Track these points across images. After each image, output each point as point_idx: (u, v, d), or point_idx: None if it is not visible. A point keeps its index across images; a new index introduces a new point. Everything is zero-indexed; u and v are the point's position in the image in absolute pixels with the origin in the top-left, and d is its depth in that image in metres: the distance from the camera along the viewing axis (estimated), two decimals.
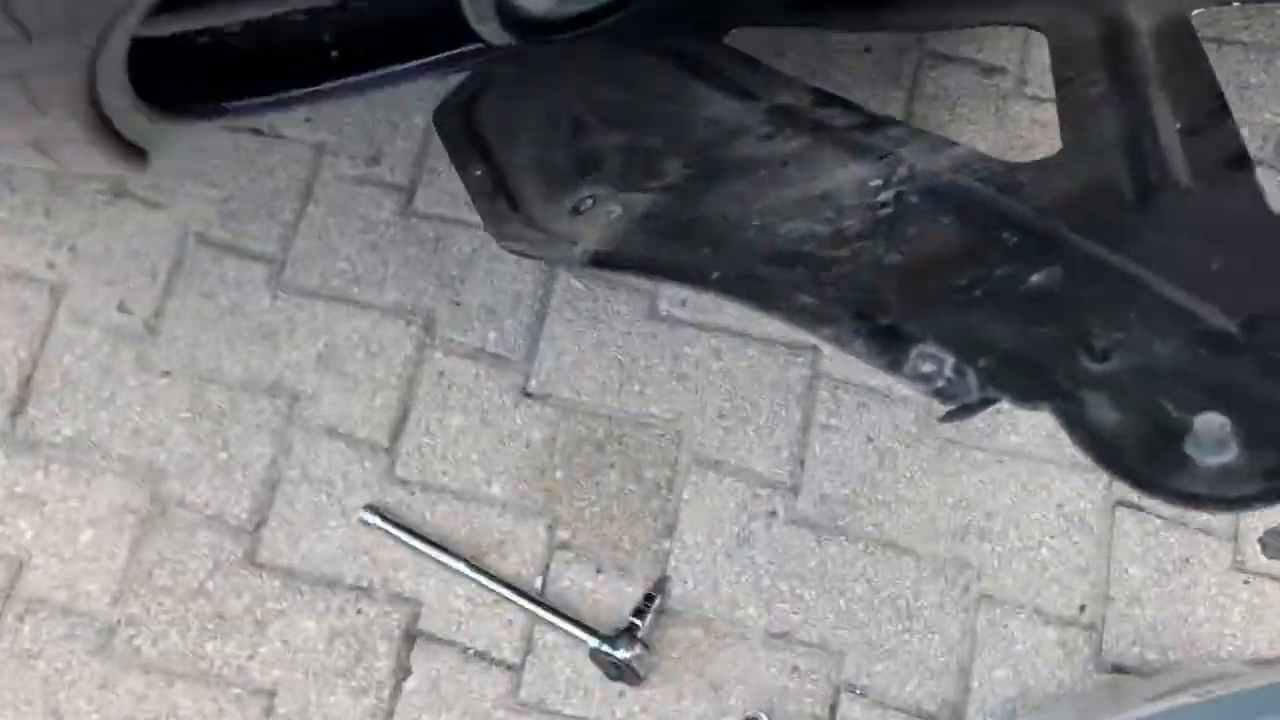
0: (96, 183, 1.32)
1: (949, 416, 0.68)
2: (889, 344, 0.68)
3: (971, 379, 0.66)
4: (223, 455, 1.20)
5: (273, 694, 1.12)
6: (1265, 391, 0.60)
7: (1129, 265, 0.68)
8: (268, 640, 1.13)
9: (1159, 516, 1.10)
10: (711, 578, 1.12)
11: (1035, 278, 0.69)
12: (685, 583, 1.12)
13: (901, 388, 1.16)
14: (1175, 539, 1.10)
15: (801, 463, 1.15)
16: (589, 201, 0.82)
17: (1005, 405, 1.04)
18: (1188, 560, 1.09)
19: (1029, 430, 1.14)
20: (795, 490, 1.14)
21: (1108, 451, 0.63)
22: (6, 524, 1.19)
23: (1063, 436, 1.06)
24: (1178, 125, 0.77)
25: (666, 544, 1.14)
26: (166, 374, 1.24)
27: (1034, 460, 1.13)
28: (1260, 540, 1.06)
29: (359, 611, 1.14)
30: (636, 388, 1.19)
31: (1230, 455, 0.58)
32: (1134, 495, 1.11)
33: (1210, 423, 0.58)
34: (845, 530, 1.12)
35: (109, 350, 1.25)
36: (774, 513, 1.14)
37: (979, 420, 1.14)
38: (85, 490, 1.20)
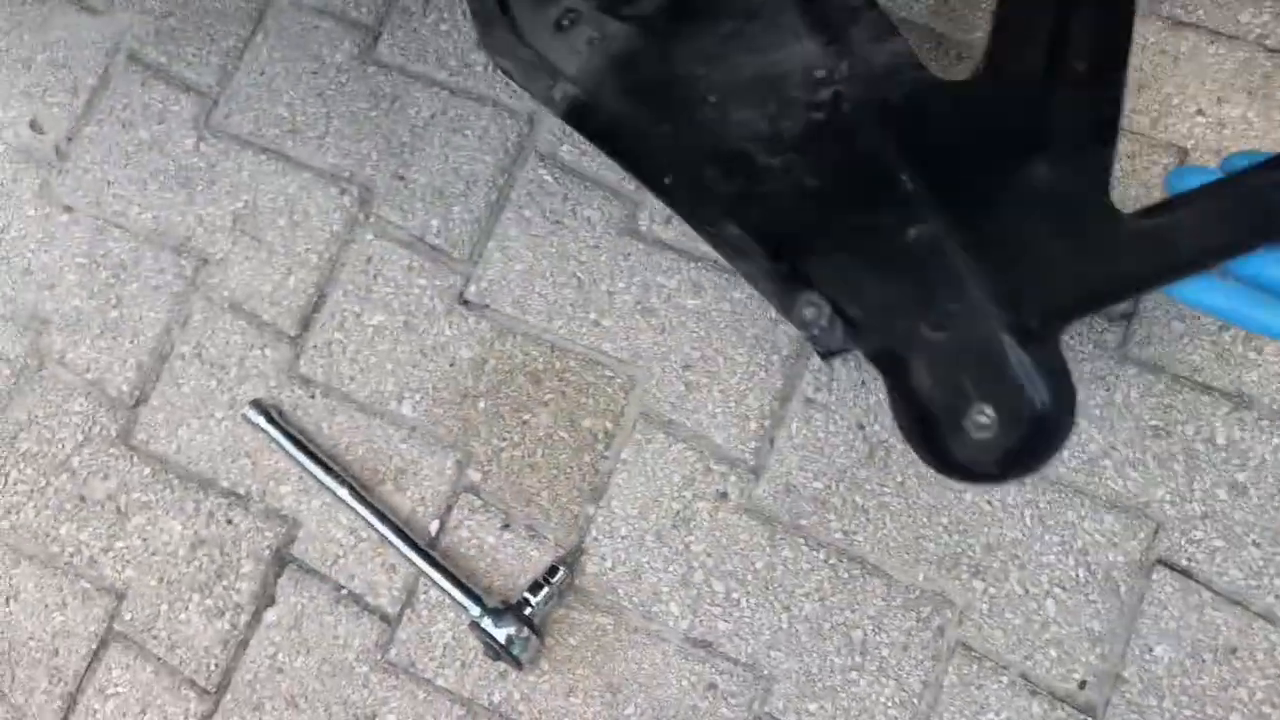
0: None
1: (824, 359, 0.77)
2: (789, 286, 0.71)
3: (839, 329, 0.70)
4: (114, 314, 1.04)
5: (121, 595, 0.98)
6: (1027, 389, 0.66)
7: (972, 238, 0.69)
8: (126, 534, 0.99)
9: (1211, 589, 0.85)
10: (635, 560, 0.92)
11: (912, 231, 0.70)
12: (603, 560, 0.93)
13: None
14: (1224, 620, 0.85)
15: (771, 441, 0.93)
16: (570, 17, 0.80)
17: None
18: (1234, 651, 0.85)
19: (1064, 450, 0.89)
20: (757, 473, 0.92)
21: (912, 418, 0.69)
22: None
23: (1103, 464, 0.82)
24: (1078, 69, 0.69)
25: (591, 510, 0.94)
26: (69, 210, 1.07)
27: (1062, 489, 0.88)
28: None
29: (229, 521, 0.98)
30: (593, 315, 0.98)
31: (989, 435, 0.66)
32: (1183, 558, 0.86)
33: (982, 408, 0.67)
34: (807, 532, 0.91)
35: (11, 173, 1.09)
36: (725, 495, 0.92)
37: None
38: None
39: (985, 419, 0.66)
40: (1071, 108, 0.69)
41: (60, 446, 1.02)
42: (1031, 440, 0.66)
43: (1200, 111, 0.94)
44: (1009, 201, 0.69)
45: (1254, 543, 0.86)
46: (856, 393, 0.93)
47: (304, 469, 0.96)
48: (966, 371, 0.68)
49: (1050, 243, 0.68)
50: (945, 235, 0.70)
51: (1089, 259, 0.67)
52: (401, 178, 1.03)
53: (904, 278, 0.70)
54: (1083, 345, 0.90)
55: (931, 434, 0.68)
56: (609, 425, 0.95)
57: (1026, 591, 0.88)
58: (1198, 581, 0.86)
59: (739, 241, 0.73)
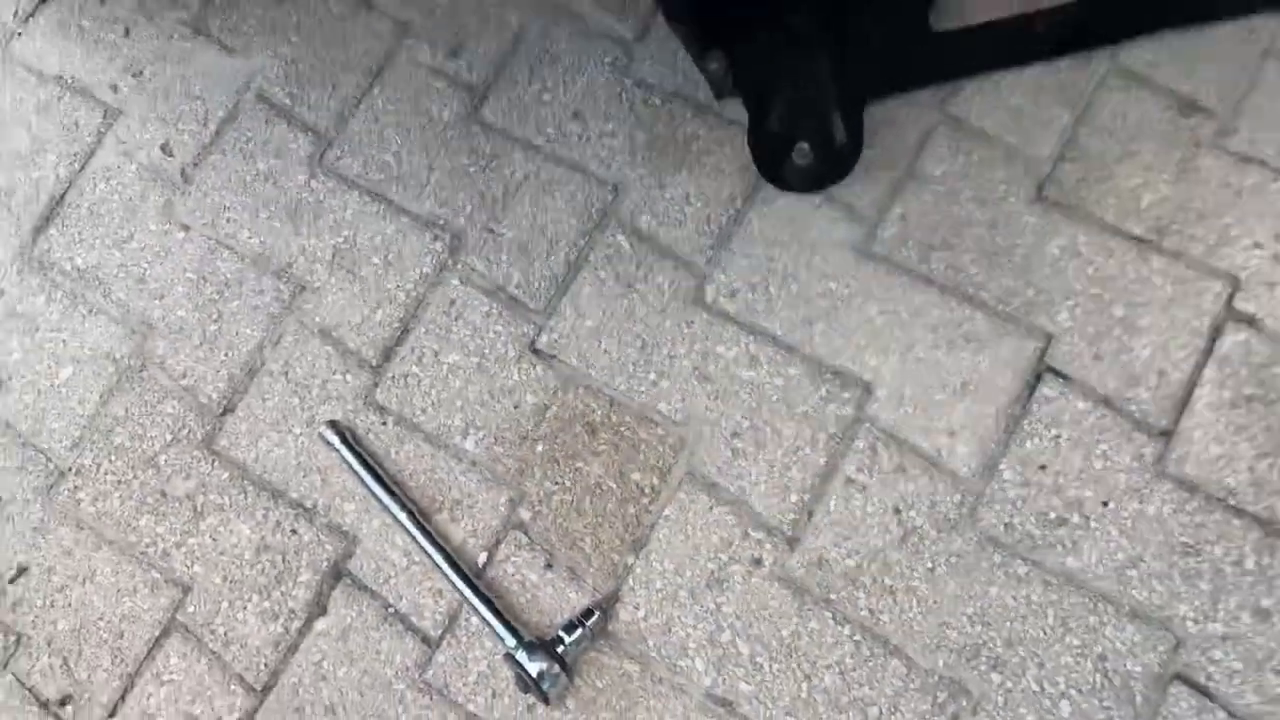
0: (180, 10, 1.25)
1: (716, 98, 1.08)
2: (705, 44, 0.99)
3: (730, 80, 1.03)
4: (213, 327, 1.13)
5: (188, 588, 1.05)
6: (835, 136, 1.02)
7: (828, 35, 1.02)
8: (199, 532, 1.06)
9: (1228, 710, 0.87)
10: (667, 613, 0.97)
11: (793, 20, 1.00)
12: (637, 609, 0.97)
13: (951, 461, 0.96)
14: None
15: (810, 514, 0.97)
16: None
17: (1073, 518, 0.85)
18: None
19: (1093, 555, 0.92)
20: (792, 544, 0.97)
21: (761, 147, 1.06)
22: None
23: (1130, 573, 0.85)
24: None
25: (630, 560, 0.99)
26: (186, 228, 1.17)
27: (1087, 593, 0.91)
28: None
29: (294, 531, 1.05)
30: (652, 376, 1.04)
31: (806, 162, 1.03)
32: (1202, 675, 0.88)
33: (803, 145, 1.02)
34: (835, 606, 0.94)
35: (140, 190, 1.20)
36: (760, 561, 0.97)
37: (1034, 527, 0.93)
38: (78, 326, 1.16)
39: (804, 151, 1.02)
40: None
41: (150, 444, 1.10)
42: (831, 168, 1.04)
43: (1257, 244, 0.98)
44: (857, 10, 1.02)
45: (1274, 669, 0.87)
46: (896, 479, 0.97)
47: (369, 490, 1.03)
48: (800, 120, 1.03)
49: (876, 42, 1.04)
50: (812, 28, 1.01)
51: (899, 56, 1.07)
52: (491, 230, 1.11)
53: (778, 53, 1.02)
54: (1119, 456, 0.94)
55: (770, 158, 1.05)
56: (656, 481, 1.01)
57: (1043, 689, 0.90)
58: (1215, 701, 0.87)
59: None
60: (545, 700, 0.93)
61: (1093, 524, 0.93)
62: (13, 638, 1.06)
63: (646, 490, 1.01)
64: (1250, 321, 0.96)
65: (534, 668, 0.92)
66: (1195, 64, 1.04)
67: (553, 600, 0.99)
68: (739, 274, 1.06)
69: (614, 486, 1.01)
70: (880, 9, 1.05)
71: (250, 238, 1.15)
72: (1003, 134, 1.05)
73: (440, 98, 1.17)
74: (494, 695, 0.97)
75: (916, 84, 1.08)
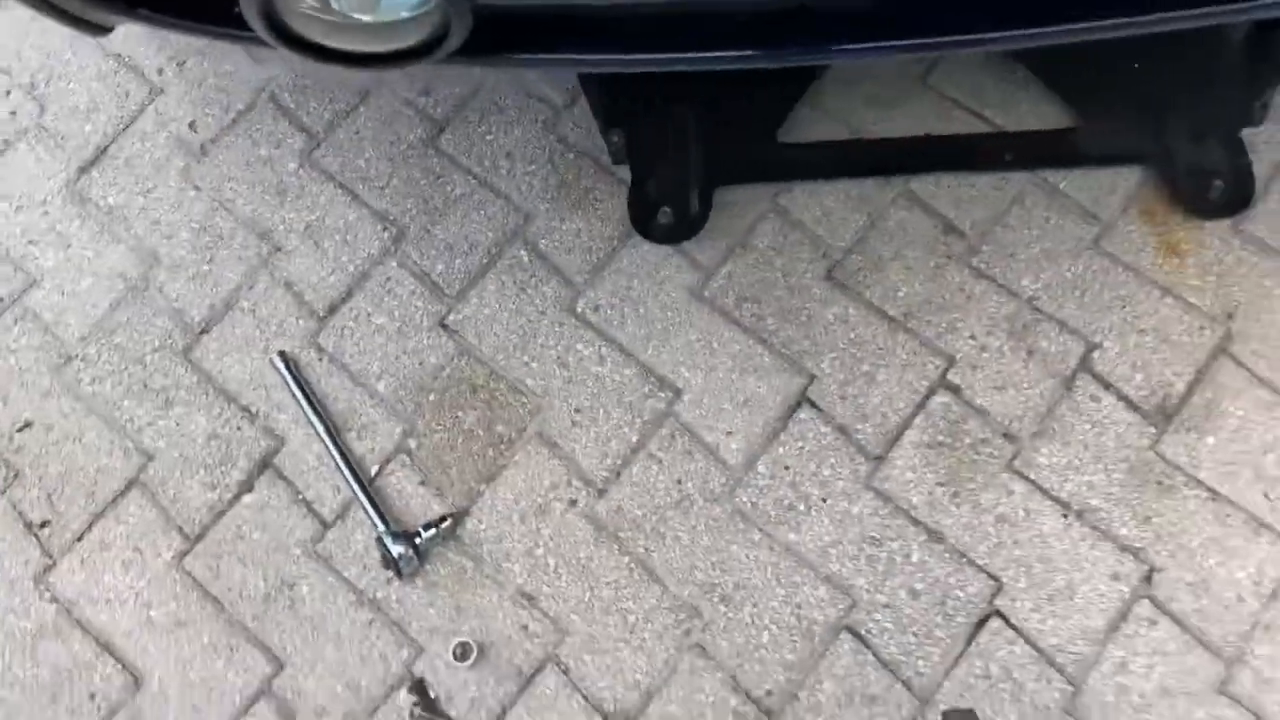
0: None
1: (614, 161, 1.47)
2: (612, 120, 1.40)
3: (623, 150, 1.43)
4: (206, 267, 1.48)
5: (151, 457, 1.39)
6: (692, 209, 1.42)
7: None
8: (167, 417, 1.41)
9: (875, 655, 1.23)
10: (500, 529, 1.32)
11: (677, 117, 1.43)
12: (479, 523, 1.32)
13: (724, 452, 1.32)
14: (882, 679, 1.22)
15: (618, 475, 1.33)
16: None
17: (800, 506, 1.21)
18: (874, 699, 1.22)
19: (809, 534, 1.28)
20: (601, 494, 1.32)
21: (636, 207, 1.44)
22: (39, 248, 1.50)
23: (831, 551, 1.21)
24: None
25: (482, 487, 1.34)
26: (197, 189, 1.52)
27: (798, 560, 1.27)
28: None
29: (238, 428, 1.39)
30: (525, 358, 1.39)
31: (668, 222, 1.42)
32: (864, 630, 1.24)
33: (666, 209, 1.42)
34: (621, 542, 1.30)
35: (167, 154, 1.54)
36: (575, 502, 1.32)
37: (772, 508, 1.29)
38: (101, 248, 1.50)
39: (667, 214, 1.39)
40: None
41: (141, 346, 1.44)
42: (684, 230, 1.41)
43: (972, 337, 1.35)
44: (722, 116, 1.41)
45: (913, 633, 1.23)
46: (684, 459, 1.33)
47: (300, 406, 1.37)
48: (667, 190, 1.41)
49: (734, 143, 1.43)
50: (686, 126, 1.42)
51: (750, 156, 1.43)
52: (428, 230, 1.47)
53: (660, 139, 1.40)
54: (841, 469, 1.30)
55: (642, 215, 1.41)
56: (513, 434, 1.36)
57: (753, 621, 1.26)
58: (868, 648, 1.24)
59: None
60: (400, 576, 1.28)
61: (813, 513, 1.29)
62: (12, 473, 1.40)
63: (505, 440, 1.36)
64: (955, 390, 1.33)
65: (396, 550, 1.27)
66: (962, 199, 1.42)
67: (420, 508, 1.34)
68: (604, 295, 1.42)
69: (481, 434, 1.37)
70: (740, 120, 1.43)
71: (245, 205, 1.50)
72: (814, 226, 1.43)
73: (409, 123, 1.53)
74: (364, 569, 1.32)
75: (759, 179, 1.45)
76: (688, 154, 1.42)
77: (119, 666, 1.29)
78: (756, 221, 1.44)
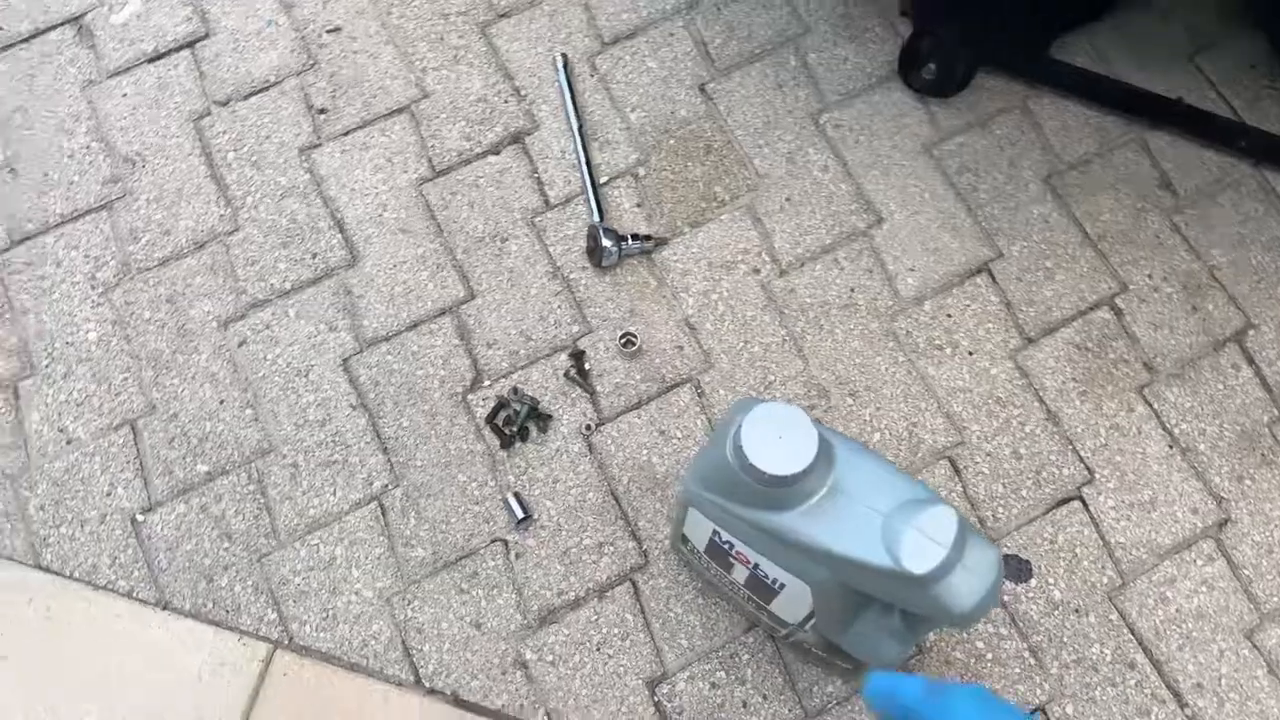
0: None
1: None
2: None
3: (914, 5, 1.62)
4: None
5: (426, 95, 1.58)
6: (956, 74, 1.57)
7: None
8: (452, 69, 1.60)
9: (967, 491, 1.38)
10: (688, 266, 1.49)
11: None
12: (673, 254, 1.50)
13: (901, 285, 1.47)
14: None
15: (802, 264, 1.49)
16: None
17: (949, 350, 1.35)
18: None
19: (947, 374, 1.43)
20: (783, 273, 1.49)
21: (907, 58, 1.59)
22: None
23: (961, 395, 1.35)
24: None
25: (686, 229, 1.51)
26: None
27: (929, 388, 1.42)
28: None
29: (505, 101, 1.58)
30: (761, 142, 1.56)
31: (929, 78, 1.56)
32: (962, 463, 1.39)
33: (931, 65, 1.53)
34: (785, 317, 1.46)
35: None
36: (757, 270, 1.49)
37: (923, 341, 1.44)
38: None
39: (931, 70, 1.53)
40: None
41: (447, 6, 1.64)
42: (939, 90, 1.57)
43: None
44: (1012, 16, 1.54)
45: (1004, 485, 1.38)
46: (862, 273, 1.48)
47: (564, 103, 1.56)
48: (938, 52, 1.54)
49: (1013, 40, 1.56)
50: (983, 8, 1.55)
51: (1021, 55, 1.58)
52: (718, 9, 1.63)
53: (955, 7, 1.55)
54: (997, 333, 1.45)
55: (909, 64, 1.57)
56: (727, 198, 1.53)
57: (870, 421, 1.42)
58: (960, 480, 1.39)
59: None
60: (598, 265, 1.46)
61: (956, 359, 1.44)
62: (311, 61, 1.60)
63: (718, 200, 1.53)
64: (1118, 312, 1.46)
65: (605, 241, 1.45)
66: (1186, 164, 1.55)
67: (629, 222, 1.51)
68: (848, 117, 1.57)
69: (701, 187, 1.54)
70: (1023, 20, 1.56)
71: None
72: (1050, 135, 1.56)
73: None
74: (567, 251, 1.50)
75: (1020, 77, 1.59)
76: (968, 30, 1.56)
77: (343, 242, 1.50)
78: (1002, 111, 1.58)
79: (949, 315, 1.47)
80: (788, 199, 1.53)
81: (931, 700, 0.46)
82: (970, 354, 1.44)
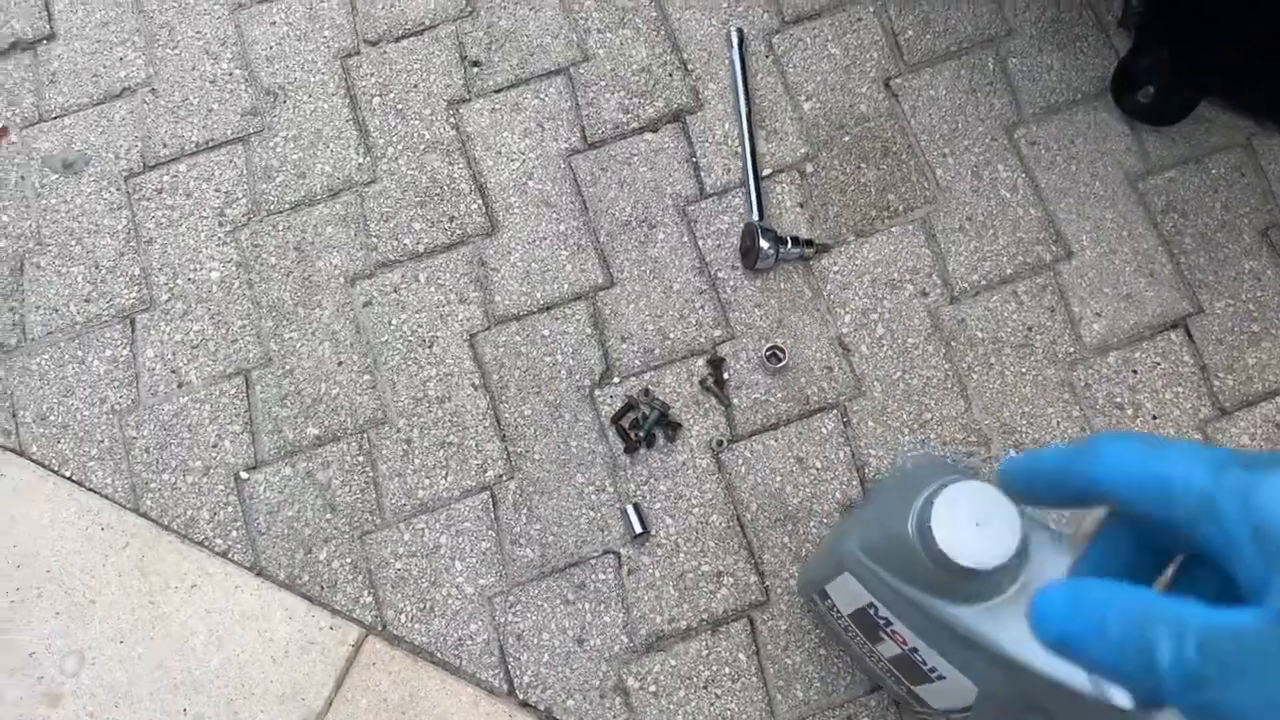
0: None
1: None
2: None
3: (1135, 19, 1.41)
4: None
5: (587, 58, 1.47)
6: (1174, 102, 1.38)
7: None
8: (617, 33, 1.48)
9: None
10: (848, 279, 1.36)
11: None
12: (834, 265, 1.37)
13: (1085, 331, 1.32)
14: None
15: (976, 293, 1.35)
16: None
17: (1130, 410, 1.20)
18: None
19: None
20: (954, 300, 1.35)
21: (1122, 77, 1.42)
22: None
23: None
24: None
25: (851, 238, 1.38)
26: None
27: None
28: None
29: (670, 74, 1.46)
30: (945, 150, 1.41)
31: (1145, 101, 1.38)
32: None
33: (1149, 89, 1.36)
34: (951, 349, 1.33)
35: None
36: (926, 294, 1.35)
37: (1102, 398, 1.29)
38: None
39: (1148, 94, 1.37)
40: None
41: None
42: (1154, 118, 1.41)
43: None
44: (1247, 48, 1.31)
45: None
46: (1047, 313, 1.34)
47: (734, 82, 1.43)
48: (1158, 76, 1.36)
49: (1242, 70, 1.33)
50: (1214, 33, 1.32)
51: (1251, 88, 1.36)
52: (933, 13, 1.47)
53: (1176, 34, 1.34)
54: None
55: (1123, 85, 1.40)
56: (901, 208, 1.39)
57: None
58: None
59: None
60: (751, 267, 1.34)
61: (1137, 421, 1.29)
62: (469, 9, 1.50)
63: (891, 209, 1.39)
64: None
65: (763, 243, 1.32)
66: None
67: (788, 223, 1.39)
68: (1045, 134, 1.41)
69: (873, 193, 1.40)
70: (1262, 51, 1.36)
71: None
72: (1275, 180, 1.38)
73: None
74: (717, 246, 1.38)
75: (1249, 113, 1.41)
76: (1196, 55, 1.38)
77: (483, 208, 1.40)
78: (1221, 149, 1.40)
79: (1134, 371, 1.31)
80: (968, 218, 1.38)
81: (1074, 451, 0.36)
82: (1154, 418, 1.29)
